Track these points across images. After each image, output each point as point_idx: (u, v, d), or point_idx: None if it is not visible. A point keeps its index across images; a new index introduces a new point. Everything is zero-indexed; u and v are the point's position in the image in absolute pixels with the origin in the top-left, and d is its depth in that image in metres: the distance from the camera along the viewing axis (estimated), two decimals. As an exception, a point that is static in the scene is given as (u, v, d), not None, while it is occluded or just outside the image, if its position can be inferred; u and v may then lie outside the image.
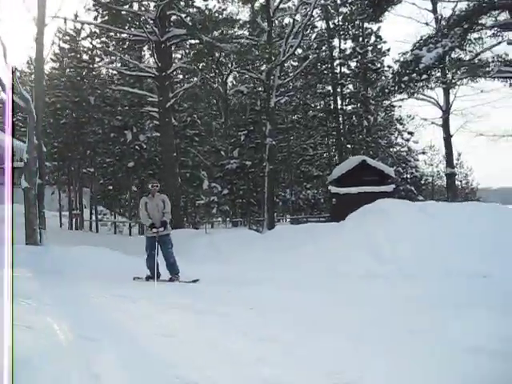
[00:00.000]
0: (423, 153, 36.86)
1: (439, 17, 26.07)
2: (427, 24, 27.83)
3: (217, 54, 27.01)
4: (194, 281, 10.97)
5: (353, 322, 6.53)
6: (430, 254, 11.24)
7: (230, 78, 36.92)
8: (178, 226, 24.07)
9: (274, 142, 25.84)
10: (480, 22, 20.92)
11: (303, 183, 36.88)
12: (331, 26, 32.19)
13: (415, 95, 24.13)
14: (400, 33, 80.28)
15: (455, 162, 36.38)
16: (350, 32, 34.02)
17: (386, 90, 19.82)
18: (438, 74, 23.93)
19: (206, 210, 32.09)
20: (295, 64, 35.24)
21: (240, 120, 34.13)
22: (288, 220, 35.77)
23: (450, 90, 28.35)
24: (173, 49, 29.81)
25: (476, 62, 21.88)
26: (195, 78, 29.11)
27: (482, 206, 14.05)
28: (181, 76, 34.23)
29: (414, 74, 18.33)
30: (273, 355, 4.89)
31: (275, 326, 6.23)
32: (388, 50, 34.47)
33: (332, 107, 34.26)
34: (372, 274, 11.19)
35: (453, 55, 20.24)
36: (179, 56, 34.79)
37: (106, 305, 7.43)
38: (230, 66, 28.92)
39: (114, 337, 5.33)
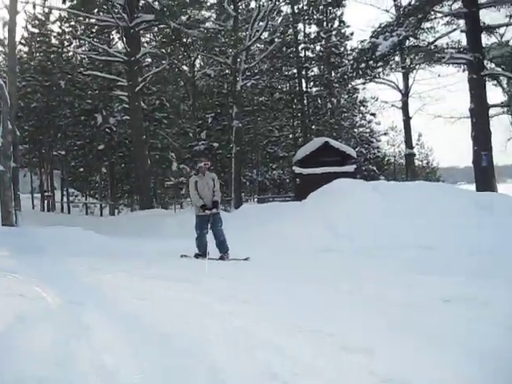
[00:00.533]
0: (385, 134, 38.08)
1: (399, 4, 27.11)
2: (387, 11, 28.81)
3: (184, 40, 27.58)
4: (245, 259, 10.92)
5: (311, 284, 7.59)
6: (381, 229, 12.32)
7: (198, 61, 37.52)
8: (148, 207, 24.91)
9: (240, 124, 26.72)
10: (434, 10, 22.07)
11: (269, 164, 37.83)
12: (296, 10, 32.99)
13: (374, 80, 25.12)
14: (364, 18, 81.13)
15: (416, 142, 37.76)
16: (315, 17, 34.91)
17: (345, 76, 20.80)
18: (398, 59, 25.04)
19: (175, 191, 32.90)
20: (261, 47, 35.98)
21: (207, 103, 34.88)
22: (255, 200, 36.68)
23: (409, 75, 29.46)
24: (141, 33, 30.24)
25: (432, 48, 23.01)
26: (164, 62, 29.67)
27: (429, 184, 15.15)
28: (149, 60, 34.76)
29: (371, 61, 19.30)
30: (243, 311, 5.81)
31: (245, 291, 7.11)
32: (351, 34, 35.51)
33: (297, 90, 35.18)
34: (329, 248, 12.16)
35: (408, 43, 21.34)
36: (148, 40, 35.30)
37: (90, 277, 8.29)
38: (197, 50, 29.52)
39: (99, 301, 6.23)
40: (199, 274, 8.73)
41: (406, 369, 3.90)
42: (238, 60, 26.75)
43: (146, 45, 32.58)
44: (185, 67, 34.01)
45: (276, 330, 4.92)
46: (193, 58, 33.86)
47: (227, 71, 32.07)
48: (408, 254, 10.69)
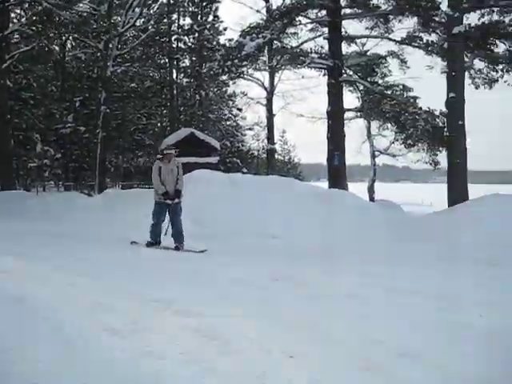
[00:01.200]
0: (250, 129, 39.44)
1: (270, 6, 28.33)
2: (258, 11, 29.86)
3: (56, 19, 27.22)
4: (202, 251, 10.61)
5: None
6: (233, 217, 13.40)
7: (69, 42, 36.95)
8: (10, 188, 24.53)
9: (108, 110, 26.86)
10: (302, 15, 23.51)
11: (136, 151, 38.07)
12: (172, 1, 33.42)
13: (240, 77, 26.20)
14: (238, 14, 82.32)
15: (280, 139, 39.52)
16: (190, 9, 35.56)
17: (211, 72, 21.73)
18: (265, 59, 26.32)
19: (38, 173, 32.42)
20: (135, 34, 36.04)
21: (76, 86, 34.51)
22: (119, 186, 36.85)
23: (275, 74, 30.92)
24: (11, 8, 29.41)
25: (297, 51, 24.48)
26: (33, 41, 29.10)
27: (280, 179, 16.37)
28: (18, 37, 33.84)
29: (237, 60, 20.32)
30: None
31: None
32: (225, 29, 36.40)
33: (167, 79, 35.69)
34: (191, 235, 13.02)
35: (275, 45, 22.68)
36: (18, 16, 34.30)
37: None
38: (69, 32, 29.18)
39: None
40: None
41: (234, 326, 4.91)
42: (110, 45, 26.83)
43: (15, 21, 31.66)
44: (55, 47, 33.44)
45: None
46: (64, 39, 33.33)
47: (98, 55, 31.94)
48: (251, 240, 11.86)
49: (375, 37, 26.67)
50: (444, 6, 18.96)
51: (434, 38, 22.57)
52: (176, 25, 35.48)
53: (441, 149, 21.88)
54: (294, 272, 8.16)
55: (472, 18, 23.82)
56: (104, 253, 9.88)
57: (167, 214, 11.26)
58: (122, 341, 4.29)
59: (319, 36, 25.22)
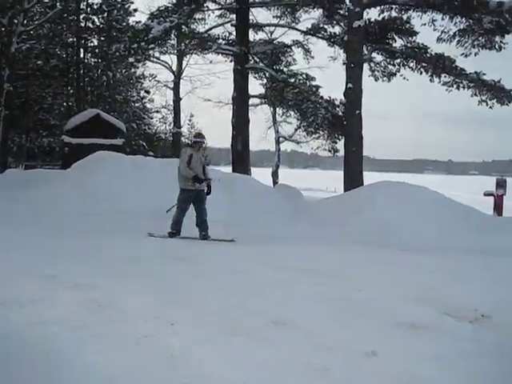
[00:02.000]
0: (157, 111, 39.32)
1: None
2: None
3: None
4: (231, 240, 10.58)
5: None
6: (132, 196, 13.70)
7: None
8: None
9: (11, 88, 26.21)
10: (209, 3, 23.80)
11: (40, 131, 37.14)
12: (81, -22, 32.81)
13: (147, 60, 26.22)
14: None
15: (188, 122, 39.57)
16: (100, -12, 34.93)
17: (117, 54, 21.63)
18: (173, 42, 26.41)
19: None
20: (42, 10, 35.06)
21: (-23, 62, 33.32)
22: (23, 166, 35.90)
23: (183, 58, 31.05)
24: None
25: (205, 36, 24.73)
26: None
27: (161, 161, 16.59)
28: None
29: (144, 43, 20.35)
30: None
31: None
32: (135, 10, 35.91)
33: (74, 59, 34.98)
34: (88, 212, 13.18)
35: (183, 29, 22.83)
36: None
37: None
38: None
39: None
40: None
41: (121, 297, 5.30)
42: (15, 21, 26.15)
43: None
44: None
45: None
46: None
47: (2, 30, 30.95)
48: (147, 218, 12.21)
49: (282, 26, 27.31)
50: (347, 0, 19.66)
51: (337, 30, 23.47)
52: (85, 3, 34.79)
53: (340, 137, 22.86)
54: (190, 251, 8.60)
55: (372, 14, 24.90)
56: None
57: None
58: (20, 310, 4.63)
59: (227, 22, 25.59)
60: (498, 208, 17.35)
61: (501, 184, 17.55)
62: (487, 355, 4.28)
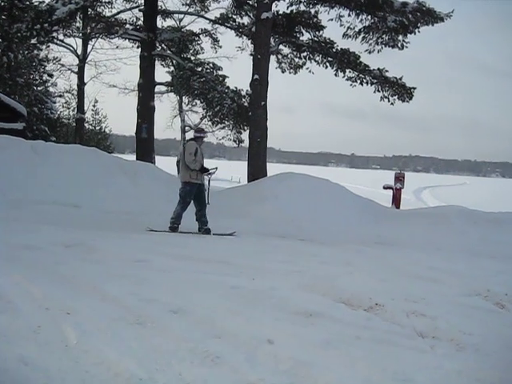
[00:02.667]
0: (61, 96, 38.14)
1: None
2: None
3: None
4: (231, 234, 10.76)
5: None
6: (32, 186, 13.18)
7: None
8: None
9: None
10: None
11: None
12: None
13: (51, 42, 25.37)
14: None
15: (92, 108, 38.65)
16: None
17: (19, 34, 20.79)
18: (79, 25, 25.66)
19: None
20: None
21: None
22: None
23: (89, 42, 30.23)
24: None
25: (112, 20, 24.19)
26: None
27: (85, 148, 16.17)
28: None
29: (47, 24, 19.61)
30: None
31: None
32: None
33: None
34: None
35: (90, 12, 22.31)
36: None
37: None
38: None
39: None
40: None
41: (13, 287, 5.13)
42: None
43: None
44: None
45: None
46: None
47: None
48: (52, 208, 11.83)
49: (191, 14, 27.13)
50: (258, -9, 19.71)
51: (245, 20, 23.53)
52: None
53: (245, 127, 22.97)
54: (88, 239, 8.39)
55: (281, 6, 25.12)
56: None
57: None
58: None
59: (135, 7, 25.09)
60: (396, 201, 17.99)
61: (399, 178, 18.23)
62: (378, 342, 4.41)
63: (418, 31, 19.74)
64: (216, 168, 11.66)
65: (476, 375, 3.82)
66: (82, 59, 30.52)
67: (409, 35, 20.05)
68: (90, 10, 22.18)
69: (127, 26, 24.59)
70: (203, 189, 11.17)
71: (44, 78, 36.42)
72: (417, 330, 4.75)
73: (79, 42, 30.43)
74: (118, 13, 24.57)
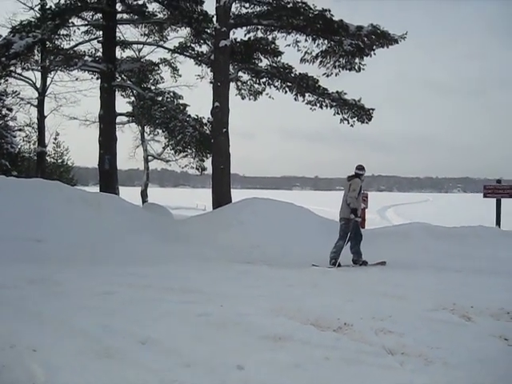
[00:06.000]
0: (21, 130, 37.75)
1: (45, 4, 27.35)
2: (32, 9, 28.57)
3: None
4: (382, 263, 11.32)
5: None
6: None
7: None
8: None
9: None
10: (75, 18, 23.22)
11: None
12: None
13: (9, 76, 25.08)
14: (11, 10, 77.94)
15: (53, 141, 38.24)
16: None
17: (-25, 70, 20.59)
18: (37, 58, 25.47)
19: None
20: None
21: None
22: None
23: (48, 75, 29.99)
24: None
25: (71, 53, 24.08)
26: None
27: (47, 182, 15.86)
28: None
29: (4, 59, 19.47)
30: None
31: None
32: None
33: None
34: None
35: (48, 45, 22.16)
36: None
37: None
38: None
39: None
40: None
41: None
42: None
43: None
44: None
45: None
46: None
47: None
48: (15, 244, 11.61)
49: (150, 44, 27.12)
50: (214, 20, 19.88)
51: (204, 49, 23.67)
52: None
53: (207, 155, 22.99)
54: (52, 273, 8.29)
55: (239, 34, 25.38)
56: None
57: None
58: None
59: (94, 39, 25.00)
60: (361, 221, 18.09)
61: (363, 198, 18.37)
62: (347, 361, 4.44)
63: (374, 53, 20.11)
64: (360, 217, 12.00)
65: (444, 388, 3.87)
66: (42, 92, 30.22)
67: (365, 58, 20.40)
68: (47, 42, 22.04)
69: (86, 57, 24.47)
70: (359, 224, 11.81)
71: (3, 112, 36.02)
72: (386, 348, 4.78)
73: (38, 75, 30.16)
74: (77, 45, 24.46)
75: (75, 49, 24.55)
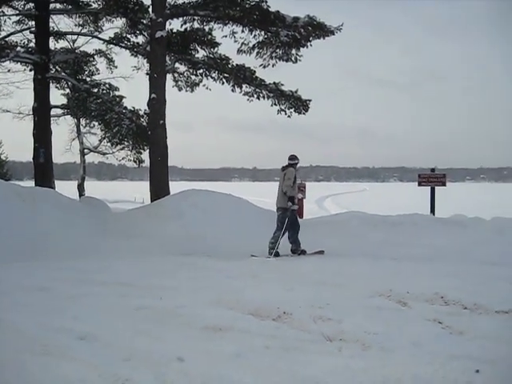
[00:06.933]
0: None
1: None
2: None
3: None
4: (320, 252, 11.47)
5: None
6: None
7: None
8: None
9: None
10: (6, 7, 22.57)
11: None
12: None
13: None
14: None
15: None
16: None
17: None
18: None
19: None
20: None
21: None
22: None
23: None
24: None
25: (2, 43, 23.39)
26: None
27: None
28: None
29: None
30: None
31: None
32: None
33: None
34: None
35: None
36: None
37: None
38: None
39: None
40: None
41: None
42: None
43: None
44: None
45: None
46: None
47: None
48: None
49: (85, 34, 26.57)
50: (150, 10, 19.65)
51: (140, 40, 23.37)
52: None
53: (145, 147, 22.78)
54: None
55: (175, 24, 25.11)
56: None
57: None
58: None
59: (26, 29, 24.36)
60: (299, 211, 18.26)
61: (300, 188, 18.57)
62: (287, 349, 4.49)
63: (310, 45, 20.20)
64: (297, 205, 12.10)
65: (381, 372, 3.96)
66: (-28, 85, 29.35)
67: (301, 49, 20.52)
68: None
69: (18, 48, 23.81)
70: (296, 213, 11.93)
71: None
72: (324, 335, 4.86)
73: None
74: (8, 35, 23.79)
75: (6, 39, 23.89)
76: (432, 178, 17.61)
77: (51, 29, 23.69)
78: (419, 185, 17.85)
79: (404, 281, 7.56)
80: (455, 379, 3.84)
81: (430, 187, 17.55)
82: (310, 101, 21.46)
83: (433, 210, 17.23)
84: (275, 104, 21.61)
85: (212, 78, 22.31)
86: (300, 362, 4.18)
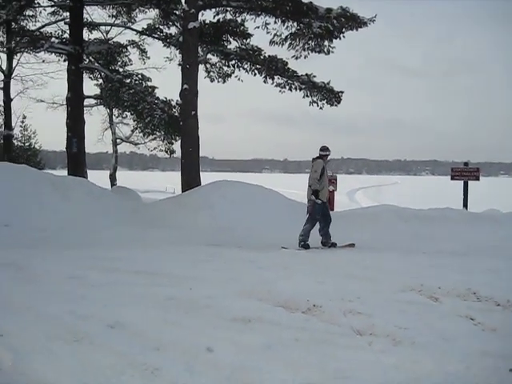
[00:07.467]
0: (-15, 113, 37.12)
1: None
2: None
3: None
4: (351, 245, 11.32)
5: None
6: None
7: None
8: None
9: None
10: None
11: None
12: None
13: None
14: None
15: (20, 124, 37.59)
16: None
17: None
18: (2, 39, 25.00)
19: None
20: None
21: None
22: None
23: (14, 57, 29.49)
24: None
25: (37, 34, 23.67)
26: None
27: (12, 166, 15.72)
28: None
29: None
30: None
31: None
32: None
33: None
34: None
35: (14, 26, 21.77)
36: None
37: None
38: None
39: None
40: None
41: None
42: None
43: None
44: None
45: None
46: None
47: None
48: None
49: (118, 25, 26.83)
50: (183, 1, 19.69)
51: (173, 31, 23.45)
52: None
53: (176, 137, 22.87)
54: (19, 258, 8.18)
55: (208, 15, 25.14)
56: None
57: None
58: None
59: (61, 20, 24.67)
60: (330, 203, 18.19)
61: (332, 181, 18.49)
62: (316, 342, 4.46)
63: (343, 36, 20.08)
64: (320, 200, 11.47)
65: (412, 367, 3.91)
66: (8, 74, 29.63)
67: (334, 40, 20.39)
68: (13, 23, 21.65)
69: (53, 39, 24.08)
70: (327, 206, 11.76)
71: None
72: (354, 329, 4.81)
73: (4, 56, 29.61)
74: (43, 26, 24.11)
75: (41, 30, 24.19)
76: (465, 172, 17.37)
77: (85, 20, 23.95)
78: (452, 179, 17.63)
79: (435, 276, 7.45)
80: (487, 378, 3.78)
81: (462, 181, 17.33)
82: (342, 92, 21.34)
83: (466, 205, 17.01)
84: (307, 96, 21.53)
85: (244, 69, 22.31)
86: (329, 355, 4.14)
